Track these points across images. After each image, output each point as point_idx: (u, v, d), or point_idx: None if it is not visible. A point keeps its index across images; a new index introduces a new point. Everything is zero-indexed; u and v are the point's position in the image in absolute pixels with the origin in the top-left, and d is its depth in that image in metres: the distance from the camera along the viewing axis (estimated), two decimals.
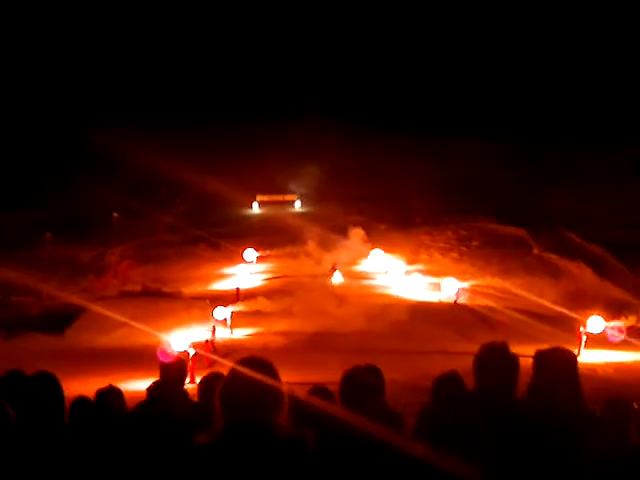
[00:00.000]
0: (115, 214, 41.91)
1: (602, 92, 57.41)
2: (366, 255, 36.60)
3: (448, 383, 5.38)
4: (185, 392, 5.52)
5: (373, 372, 5.23)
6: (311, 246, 36.63)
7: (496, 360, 4.45)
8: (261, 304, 28.02)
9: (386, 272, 33.73)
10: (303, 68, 62.97)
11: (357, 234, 38.16)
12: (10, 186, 45.85)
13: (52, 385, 4.71)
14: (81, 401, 5.43)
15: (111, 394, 5.91)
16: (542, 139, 52.74)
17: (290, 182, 54.17)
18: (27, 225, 40.39)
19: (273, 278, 33.50)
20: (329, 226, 40.63)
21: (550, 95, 58.73)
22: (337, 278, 32.33)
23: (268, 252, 37.76)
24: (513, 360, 4.49)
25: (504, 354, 4.49)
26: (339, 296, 28.62)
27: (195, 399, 5.67)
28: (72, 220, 41.63)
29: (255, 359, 3.54)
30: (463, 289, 29.42)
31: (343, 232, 38.70)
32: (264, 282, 32.87)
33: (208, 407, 4.50)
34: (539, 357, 4.79)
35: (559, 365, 4.72)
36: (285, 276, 33.21)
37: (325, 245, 37.02)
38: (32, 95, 57.07)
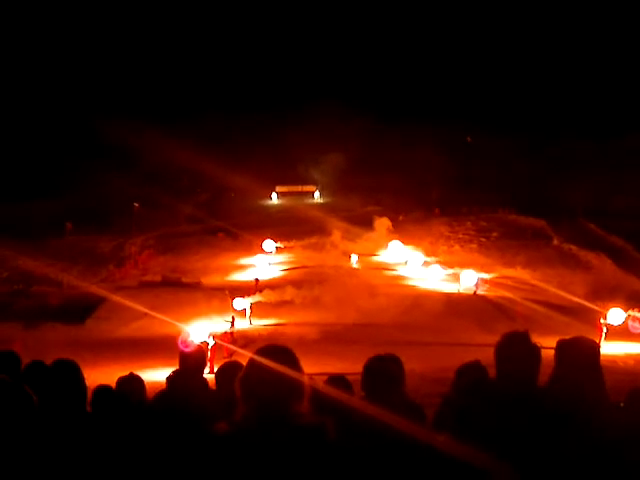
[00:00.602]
0: (136, 204, 42.05)
1: (617, 85, 57.07)
2: (386, 246, 36.54)
3: (470, 372, 5.36)
4: (205, 381, 5.52)
5: (394, 362, 5.20)
6: (336, 236, 36.62)
7: (517, 349, 4.40)
8: (280, 295, 28.03)
9: (405, 263, 33.67)
10: (325, 59, 63.00)
11: (383, 224, 38.05)
12: (31, 177, 46.10)
13: (73, 372, 4.72)
14: (103, 390, 5.44)
15: (132, 382, 5.93)
16: (560, 132, 52.48)
17: (309, 173, 54.18)
18: (47, 215, 40.59)
19: (292, 269, 33.53)
20: (352, 215, 40.63)
21: (567, 91, 58.43)
22: (353, 260, 33.78)
23: (291, 243, 37.71)
24: (534, 349, 4.44)
25: (525, 343, 4.44)
26: (358, 287, 28.57)
27: (214, 388, 5.68)
28: (92, 210, 41.80)
29: (276, 347, 3.52)
30: (482, 280, 29.33)
31: (368, 222, 38.64)
32: (284, 273, 32.89)
33: (226, 395, 4.50)
34: (561, 346, 4.74)
35: (581, 354, 4.68)
36: (304, 267, 33.21)
37: (350, 235, 37.03)
38: (51, 87, 57.34)
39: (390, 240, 36.69)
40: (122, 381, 5.96)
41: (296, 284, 28.93)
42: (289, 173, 53.41)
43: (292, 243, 37.62)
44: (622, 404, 5.19)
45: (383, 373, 4.95)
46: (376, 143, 52.44)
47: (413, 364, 9.87)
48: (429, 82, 61.49)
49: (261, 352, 3.46)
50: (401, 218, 41.01)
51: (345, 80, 59.58)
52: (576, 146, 50.31)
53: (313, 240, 37.26)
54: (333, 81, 59.26)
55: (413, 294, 28.35)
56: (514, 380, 4.30)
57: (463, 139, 51.26)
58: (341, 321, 25.10)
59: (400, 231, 38.13)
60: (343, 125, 53.46)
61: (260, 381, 3.33)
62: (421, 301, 27.05)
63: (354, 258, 34.47)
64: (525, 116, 55.61)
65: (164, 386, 5.78)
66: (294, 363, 3.42)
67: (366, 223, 38.73)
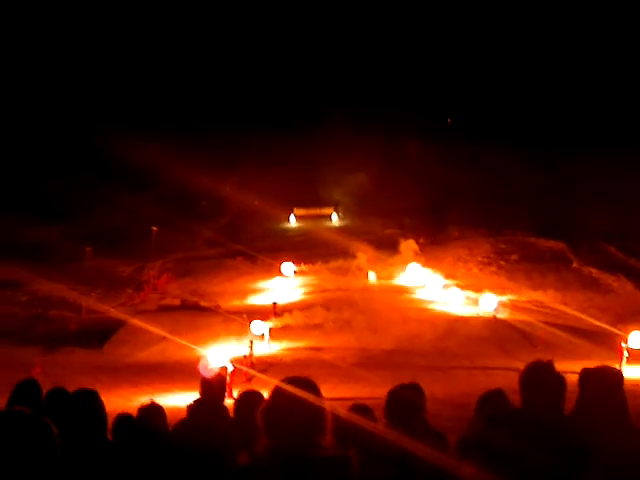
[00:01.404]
0: (154, 228, 42.20)
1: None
2: (404, 268, 36.40)
3: (494, 401, 5.32)
4: (225, 410, 5.50)
5: (416, 390, 5.19)
6: (362, 260, 36.55)
7: (543, 379, 4.37)
8: (300, 318, 27.98)
9: (424, 286, 33.56)
10: (347, 79, 63.07)
11: (409, 247, 37.82)
12: (50, 201, 46.39)
13: (94, 401, 4.73)
14: (124, 419, 5.44)
15: (153, 411, 5.92)
16: (581, 154, 52.27)
17: (327, 194, 54.19)
18: (67, 239, 40.82)
19: (313, 292, 33.48)
20: (375, 238, 40.52)
21: (593, 111, 58.21)
22: (372, 277, 34.18)
23: (315, 266, 37.54)
24: (560, 379, 4.41)
25: (551, 373, 4.41)
26: (376, 311, 28.51)
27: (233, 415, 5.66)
28: (111, 234, 41.99)
29: (299, 378, 3.50)
30: (502, 304, 29.18)
31: (393, 245, 38.44)
32: (305, 296, 32.83)
33: (246, 425, 4.48)
34: (585, 376, 4.71)
35: (605, 384, 4.64)
36: (324, 290, 33.13)
37: (376, 259, 36.96)
38: (69, 109, 57.70)
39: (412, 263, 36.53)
40: (143, 410, 5.95)
41: (317, 308, 28.87)
42: (307, 195, 53.43)
43: (317, 266, 37.43)
44: None
45: (406, 402, 4.93)
46: (396, 166, 52.43)
47: (434, 388, 9.81)
48: (451, 104, 61.55)
49: (284, 383, 3.44)
50: (421, 241, 40.82)
51: (362, 97, 59.50)
52: (594, 165, 50.14)
53: (338, 263, 37.13)
54: (352, 98, 59.19)
55: (434, 318, 28.24)
56: (540, 410, 4.27)
57: (486, 161, 50.97)
58: (360, 344, 25.04)
59: (421, 254, 38.00)
60: (362, 148, 53.48)
61: (282, 413, 3.31)
62: (440, 324, 26.96)
63: (372, 276, 34.54)
64: (542, 134, 55.50)
65: (184, 412, 5.77)
66: (316, 394, 3.40)
67: (391, 246, 38.52)
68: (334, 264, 37.01)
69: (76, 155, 53.42)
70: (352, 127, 54.08)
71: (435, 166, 50.89)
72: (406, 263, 36.35)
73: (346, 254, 37.57)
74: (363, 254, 36.88)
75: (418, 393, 5.15)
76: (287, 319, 27.82)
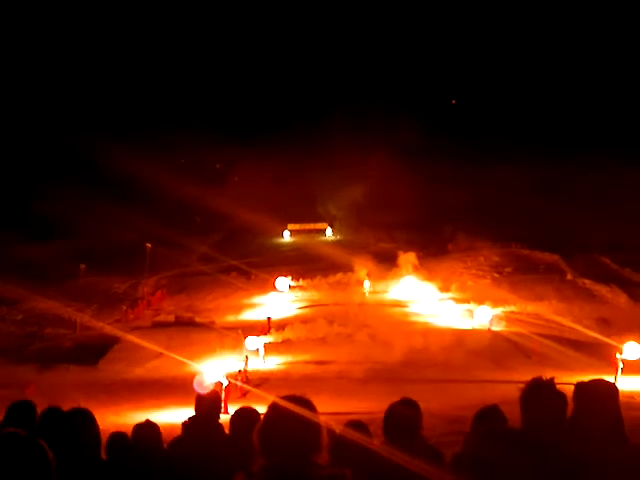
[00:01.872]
0: (148, 245, 42.17)
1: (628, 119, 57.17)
2: (399, 282, 36.42)
3: (490, 417, 5.31)
4: (220, 427, 5.48)
5: (413, 407, 5.17)
6: (361, 274, 36.61)
7: (544, 397, 4.37)
8: (293, 333, 27.96)
9: (419, 300, 33.57)
10: (343, 89, 63.11)
11: (407, 260, 37.77)
12: (45, 218, 46.31)
13: (87, 421, 4.70)
14: (118, 437, 5.41)
15: (148, 429, 5.89)
16: (572, 166, 52.48)
17: (321, 209, 54.25)
18: (61, 256, 40.74)
19: (306, 307, 33.46)
20: (374, 251, 40.50)
21: (579, 122, 58.52)
22: (366, 286, 34.87)
23: (314, 281, 37.50)
24: (561, 397, 4.41)
25: (552, 391, 4.41)
26: (370, 325, 28.50)
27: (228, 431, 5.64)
28: (106, 251, 41.94)
29: (295, 397, 3.49)
30: (496, 316, 29.20)
31: (391, 259, 38.40)
32: (298, 311, 32.82)
33: (241, 443, 4.47)
34: (580, 389, 4.70)
35: (600, 398, 4.63)
36: (319, 304, 33.14)
37: (375, 273, 36.98)
38: (67, 125, 57.64)
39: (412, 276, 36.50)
40: (138, 428, 5.91)
41: (310, 322, 28.86)
42: (301, 210, 53.47)
43: (316, 281, 37.31)
44: None
45: (403, 419, 4.92)
46: (390, 180, 52.46)
47: (429, 402, 9.79)
48: (445, 120, 61.71)
49: (279, 403, 3.43)
50: (420, 254, 40.86)
51: (359, 112, 59.53)
52: (590, 178, 50.29)
53: (337, 277, 37.10)
54: (350, 108, 59.16)
55: (428, 331, 28.23)
56: (541, 428, 4.26)
57: (480, 175, 51.03)
58: (354, 359, 24.99)
59: (421, 267, 38.00)
60: (356, 163, 53.55)
61: (278, 433, 3.29)
62: (435, 337, 26.93)
63: (367, 284, 34.64)
64: (539, 145, 55.68)
65: (179, 428, 5.74)
66: (312, 412, 3.39)
67: (389, 259, 38.48)
68: (333, 278, 36.99)
69: (71, 172, 53.38)
70: (347, 141, 54.20)
71: (430, 182, 50.98)
72: (405, 276, 36.38)
73: (345, 268, 37.59)
74: (362, 267, 36.95)
75: (414, 410, 5.14)
76: (281, 334, 27.80)
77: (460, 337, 27.17)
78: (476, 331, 28.10)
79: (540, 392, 4.37)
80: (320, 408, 3.50)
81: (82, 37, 64.05)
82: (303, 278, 37.49)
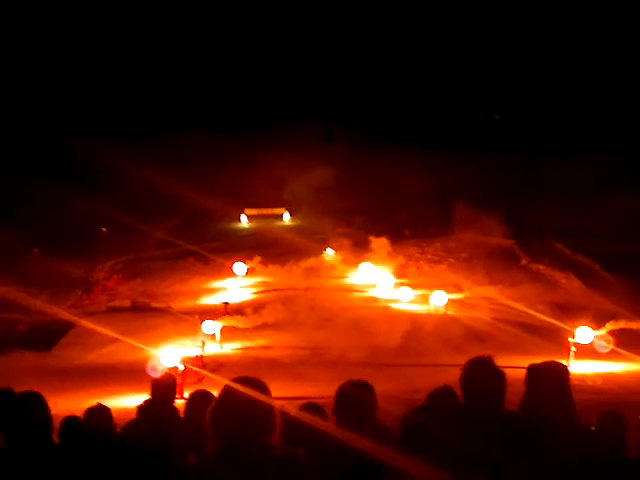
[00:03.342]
0: (103, 229, 41.71)
1: (577, 104, 57.87)
2: (356, 267, 36.47)
3: (441, 397, 5.37)
4: (175, 409, 5.47)
5: (365, 388, 5.20)
6: (334, 259, 36.77)
7: (482, 373, 4.44)
8: (250, 318, 27.88)
9: (375, 285, 33.68)
10: (296, 80, 62.91)
11: (381, 245, 37.68)
12: None
13: (39, 405, 4.65)
14: (70, 420, 5.37)
15: (100, 413, 5.85)
16: (526, 153, 53.06)
17: (279, 194, 54.13)
18: (14, 241, 40.14)
19: (263, 292, 33.42)
20: (351, 237, 40.35)
21: (532, 109, 59.18)
22: (329, 252, 36.34)
23: (286, 266, 37.12)
24: (499, 373, 4.48)
25: (490, 367, 4.48)
26: (329, 310, 28.55)
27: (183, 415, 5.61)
28: (60, 235, 41.42)
29: (247, 378, 3.49)
30: (452, 301, 29.42)
31: (364, 244, 38.28)
32: (255, 295, 32.77)
33: (196, 426, 4.46)
34: (532, 371, 4.78)
35: (551, 379, 4.71)
36: (275, 289, 33.11)
37: (349, 258, 37.02)
38: (17, 106, 56.80)
39: (386, 262, 36.48)
40: (89, 412, 5.87)
41: (267, 306, 28.76)
42: (259, 195, 53.27)
43: (287, 266, 36.83)
44: (593, 427, 5.22)
45: (355, 400, 4.95)
46: (348, 164, 52.44)
47: (384, 386, 9.84)
48: (408, 105, 61.75)
49: (232, 383, 3.43)
50: (370, 239, 40.90)
51: (321, 101, 59.39)
52: (544, 164, 50.82)
53: (309, 262, 36.83)
54: (308, 102, 58.99)
55: (384, 316, 28.37)
56: (480, 404, 4.32)
57: (436, 161, 51.23)
58: (312, 343, 25.05)
59: (370, 252, 38.05)
60: (313, 147, 53.52)
61: (230, 415, 3.29)
62: (391, 323, 27.06)
63: (330, 251, 35.27)
64: (492, 133, 56.18)
65: (134, 413, 5.71)
66: (264, 394, 3.39)
67: (361, 244, 38.42)
68: (305, 263, 36.63)
69: (25, 154, 52.63)
70: (310, 131, 54.15)
71: (386, 169, 51.12)
72: (382, 261, 36.36)
73: (305, 253, 37.56)
74: (336, 252, 37.13)
75: (367, 390, 5.17)
76: (239, 319, 27.70)
77: (416, 321, 27.33)
78: (432, 315, 28.30)
79: (479, 369, 4.44)
80: (277, 392, 3.50)
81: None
82: (273, 264, 37.11)
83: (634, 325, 23.66)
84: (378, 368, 20.21)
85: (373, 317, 27.88)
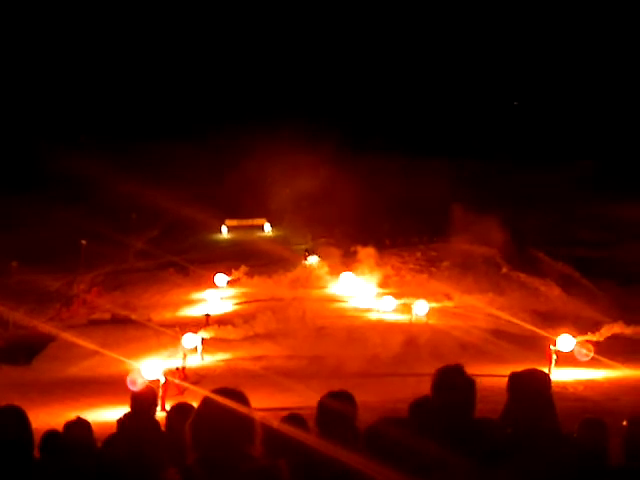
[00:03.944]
0: (83, 241, 41.47)
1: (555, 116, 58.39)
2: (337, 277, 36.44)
3: (423, 407, 5.36)
4: (156, 423, 5.43)
5: (346, 398, 5.19)
6: (319, 269, 36.77)
7: (452, 381, 4.45)
8: (232, 329, 27.74)
9: (357, 295, 33.68)
10: (279, 86, 62.98)
11: (368, 254, 37.65)
12: None
13: (19, 419, 4.61)
14: (51, 435, 5.32)
15: (79, 426, 5.80)
16: (507, 161, 53.44)
17: (260, 205, 54.03)
18: None
19: (247, 302, 33.34)
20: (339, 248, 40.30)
21: (513, 121, 59.63)
22: (312, 259, 36.82)
23: (269, 277, 36.94)
24: (469, 381, 4.49)
25: (460, 375, 4.49)
26: (310, 320, 28.49)
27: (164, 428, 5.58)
28: (39, 248, 41.16)
29: (226, 389, 3.47)
30: (434, 309, 29.47)
31: (351, 254, 38.28)
32: (237, 307, 32.68)
33: (177, 438, 4.43)
34: (513, 379, 4.77)
35: (533, 387, 4.71)
36: (257, 300, 33.02)
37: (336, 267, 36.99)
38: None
39: (373, 271, 36.47)
40: (69, 426, 5.83)
41: (257, 317, 28.59)
42: (240, 206, 53.18)
43: (275, 277, 36.63)
44: (575, 434, 5.23)
45: (336, 411, 4.93)
46: (331, 175, 52.45)
47: (366, 396, 9.82)
48: (385, 113, 61.98)
49: (212, 394, 3.41)
50: (352, 250, 40.90)
51: (301, 109, 59.45)
52: (523, 174, 51.15)
53: (296, 273, 36.72)
54: (287, 109, 59.03)
55: (366, 326, 28.37)
56: (450, 412, 4.33)
57: (416, 169, 51.35)
58: (294, 354, 24.99)
59: (351, 262, 38.04)
60: (295, 157, 53.45)
61: (210, 426, 3.27)
62: (373, 332, 27.04)
63: (312, 259, 35.44)
64: (475, 146, 56.47)
65: (114, 427, 5.67)
66: (245, 405, 3.37)
67: (348, 254, 38.44)
68: (292, 274, 36.55)
69: (2, 165, 52.32)
70: (295, 139, 54.15)
71: (367, 179, 51.21)
72: (369, 270, 36.36)
73: (287, 263, 37.58)
74: (322, 262, 37.12)
75: (348, 401, 5.16)
76: (220, 331, 27.56)
77: (398, 331, 27.33)
78: (414, 325, 28.33)
79: (448, 377, 4.45)
80: (260, 404, 3.48)
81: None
82: (259, 275, 36.98)
83: (616, 331, 23.79)
84: (360, 378, 20.18)
85: (355, 327, 27.88)
